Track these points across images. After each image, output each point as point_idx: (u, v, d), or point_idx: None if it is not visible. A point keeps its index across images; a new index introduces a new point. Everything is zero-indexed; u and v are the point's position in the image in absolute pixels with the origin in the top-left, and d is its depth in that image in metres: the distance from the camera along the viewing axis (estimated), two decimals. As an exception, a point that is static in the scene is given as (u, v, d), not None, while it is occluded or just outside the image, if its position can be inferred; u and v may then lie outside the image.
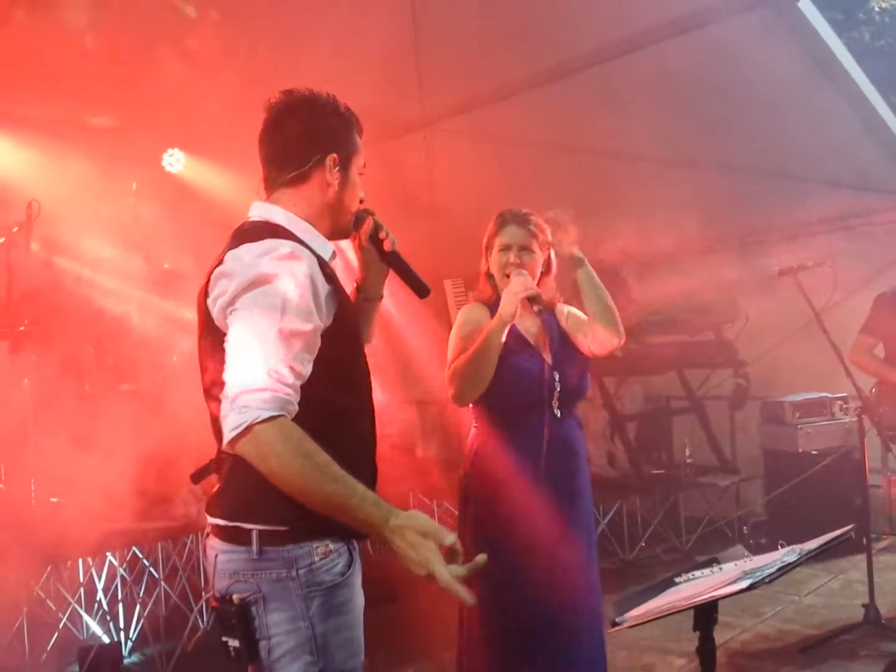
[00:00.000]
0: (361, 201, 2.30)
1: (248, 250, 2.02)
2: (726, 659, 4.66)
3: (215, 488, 2.13)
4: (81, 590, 5.07)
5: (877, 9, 16.63)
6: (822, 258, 5.09)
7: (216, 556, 2.09)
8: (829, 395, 6.80)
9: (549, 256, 3.47)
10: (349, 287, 2.33)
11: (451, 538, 1.86)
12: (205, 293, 2.07)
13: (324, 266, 2.12)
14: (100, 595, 5.15)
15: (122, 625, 5.12)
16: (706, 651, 2.18)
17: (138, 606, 5.15)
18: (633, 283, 7.26)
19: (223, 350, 1.98)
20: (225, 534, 2.07)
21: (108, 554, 5.11)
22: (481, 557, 1.88)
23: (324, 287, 2.06)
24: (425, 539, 1.85)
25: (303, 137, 2.18)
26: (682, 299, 7.17)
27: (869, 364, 5.94)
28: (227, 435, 1.88)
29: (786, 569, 2.09)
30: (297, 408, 1.93)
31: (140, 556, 5.22)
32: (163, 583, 5.25)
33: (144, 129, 6.70)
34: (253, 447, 1.88)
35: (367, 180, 2.30)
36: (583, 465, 3.43)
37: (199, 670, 4.76)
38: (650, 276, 7.35)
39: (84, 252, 5.73)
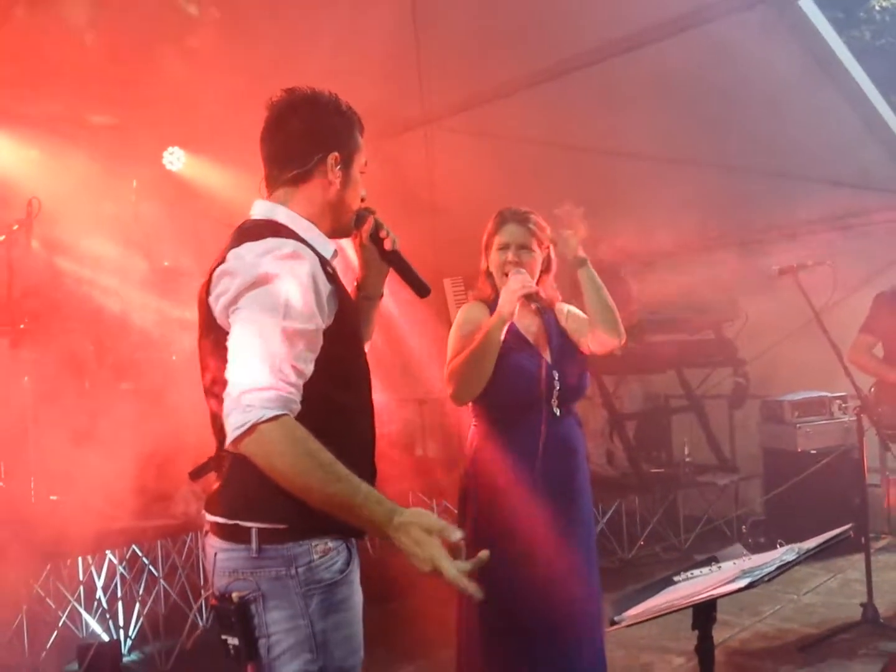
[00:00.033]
0: (363, 200, 2.30)
1: (250, 249, 2.02)
2: (725, 658, 4.67)
3: (214, 486, 2.13)
4: (81, 588, 5.07)
5: (877, 7, 16.62)
6: (822, 257, 5.09)
7: (215, 554, 2.09)
8: (829, 395, 6.80)
9: (548, 255, 3.47)
10: (349, 286, 2.33)
11: (457, 534, 1.88)
12: (206, 291, 2.07)
13: (325, 265, 2.12)
14: (99, 593, 5.16)
15: (121, 623, 5.12)
16: (705, 650, 2.18)
17: (138, 604, 5.16)
18: (633, 281, 7.26)
19: (225, 348, 1.98)
20: (224, 532, 2.07)
21: (108, 552, 5.12)
22: (484, 553, 1.88)
23: (325, 286, 2.06)
24: (430, 536, 1.86)
25: (305, 136, 2.18)
26: (681, 298, 7.18)
27: (868, 363, 5.94)
28: (231, 434, 1.89)
29: (784, 567, 2.09)
30: (300, 407, 1.94)
31: (139, 554, 5.22)
32: (162, 581, 5.25)
33: (145, 127, 6.70)
34: (257, 446, 1.88)
35: (367, 178, 2.30)
36: (582, 464, 3.43)
37: (199, 668, 4.76)
38: (650, 274, 7.35)
39: (84, 250, 5.73)
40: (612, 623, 2.20)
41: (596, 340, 3.37)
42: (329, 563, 2.05)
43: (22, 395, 5.07)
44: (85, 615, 5.04)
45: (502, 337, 3.23)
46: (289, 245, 2.03)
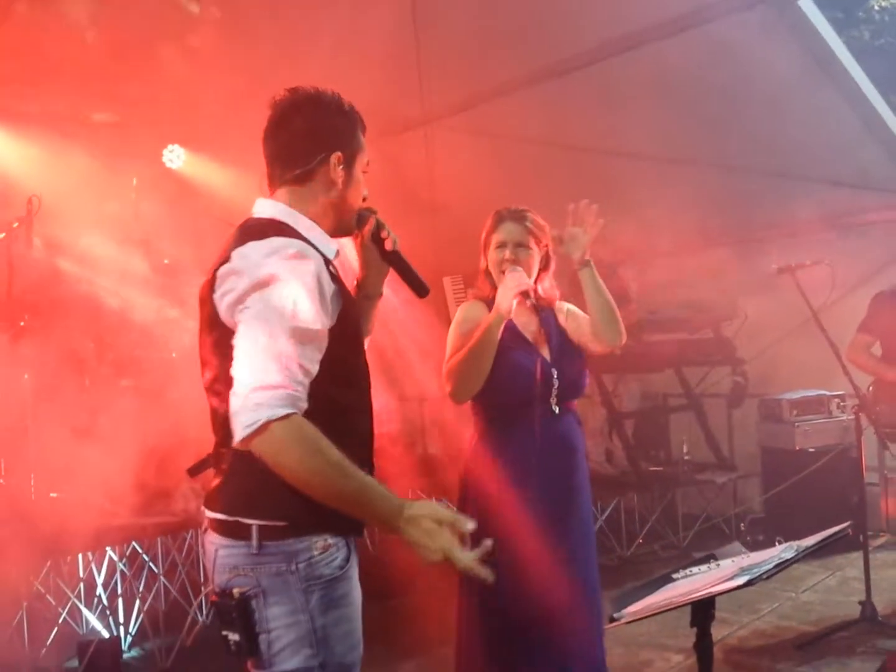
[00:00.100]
0: (364, 199, 2.31)
1: (255, 248, 2.03)
2: (723, 655, 4.68)
3: (214, 483, 2.14)
4: (81, 584, 5.08)
5: (876, 7, 16.63)
6: (821, 256, 5.10)
7: (216, 550, 2.10)
8: (827, 393, 6.81)
9: (546, 252, 3.47)
10: (349, 285, 2.34)
11: (469, 524, 1.94)
12: (210, 289, 2.08)
13: (328, 264, 2.13)
14: (99, 590, 5.16)
15: (121, 619, 5.13)
16: (703, 647, 2.19)
17: (138, 601, 5.16)
18: (632, 280, 7.28)
19: (228, 346, 1.99)
20: (225, 528, 2.08)
21: (108, 549, 5.12)
22: (488, 542, 1.95)
23: (329, 286, 2.07)
24: (441, 526, 1.92)
25: (308, 135, 2.19)
26: (680, 297, 7.19)
27: (866, 362, 5.95)
28: (241, 432, 1.90)
29: (783, 565, 2.10)
30: (306, 405, 1.95)
31: (140, 550, 5.23)
32: (162, 577, 5.26)
33: (145, 125, 6.71)
34: (268, 445, 1.90)
35: (367, 177, 2.31)
36: (581, 462, 3.43)
37: (199, 665, 4.78)
38: (649, 273, 7.37)
39: (84, 248, 5.73)
40: (612, 620, 2.21)
41: (597, 340, 3.37)
42: (329, 559, 2.06)
43: (22, 392, 5.07)
44: (85, 612, 5.06)
45: (500, 335, 3.24)
46: (294, 245, 2.04)
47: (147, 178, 6.84)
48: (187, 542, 5.48)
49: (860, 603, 4.92)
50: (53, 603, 4.86)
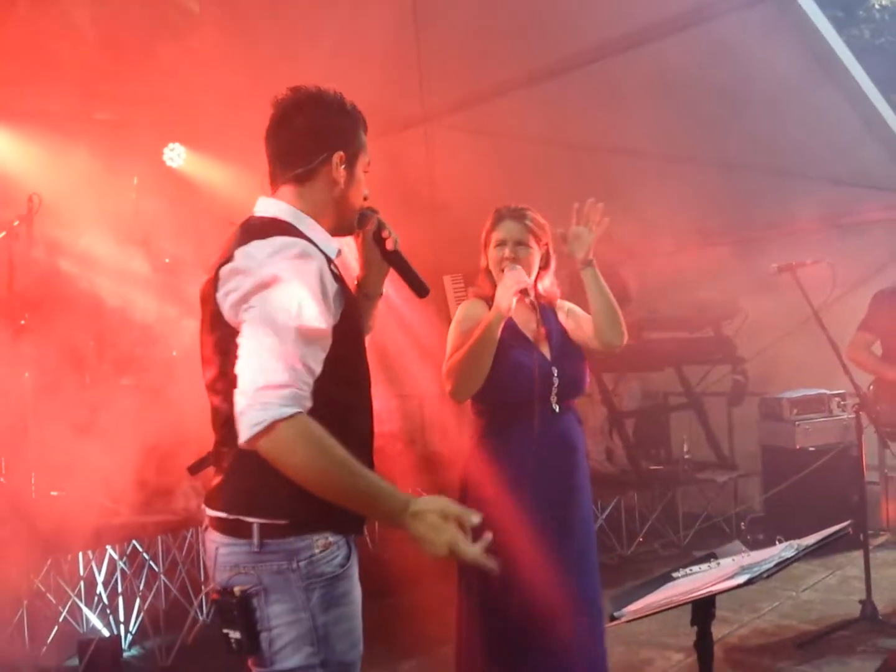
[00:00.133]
0: (365, 199, 2.31)
1: (259, 248, 2.03)
2: (723, 654, 4.68)
3: (215, 481, 2.15)
4: (81, 583, 5.08)
5: (877, 6, 16.62)
6: (821, 255, 5.09)
7: (217, 548, 2.10)
8: (827, 392, 6.81)
9: (547, 251, 3.47)
10: (349, 284, 2.34)
11: (476, 518, 1.98)
12: (213, 287, 2.08)
13: (330, 264, 2.13)
14: (100, 588, 5.16)
15: (121, 618, 5.12)
16: (704, 646, 2.19)
17: (138, 600, 5.16)
18: (632, 279, 7.27)
19: (231, 345, 2.00)
20: (225, 527, 2.08)
21: (108, 547, 5.12)
22: (489, 535, 1.98)
23: (332, 286, 2.08)
24: (446, 521, 1.94)
25: (310, 134, 2.19)
26: (680, 296, 7.19)
27: (867, 361, 5.95)
28: (247, 431, 1.90)
29: (783, 564, 2.10)
30: (311, 404, 1.96)
31: (140, 549, 5.22)
32: (163, 576, 5.26)
33: (145, 124, 6.71)
34: (275, 444, 1.91)
35: (368, 176, 2.31)
36: (582, 461, 3.43)
37: (199, 663, 4.77)
38: (649, 272, 7.36)
39: (85, 246, 5.73)
40: (612, 619, 2.21)
41: (598, 340, 3.36)
42: (330, 557, 2.06)
43: (23, 390, 5.07)
44: (85, 610, 5.05)
45: (499, 333, 3.24)
46: (298, 245, 2.04)
47: (148, 176, 6.84)
48: (188, 541, 5.48)
49: (860, 602, 4.91)
50: (54, 601, 4.85)
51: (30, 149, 6.34)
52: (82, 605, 5.03)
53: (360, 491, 1.97)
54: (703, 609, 2.16)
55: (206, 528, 2.17)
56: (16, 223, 5.48)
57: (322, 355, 2.02)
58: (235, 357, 1.98)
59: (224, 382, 2.02)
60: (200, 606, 5.16)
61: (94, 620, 5.06)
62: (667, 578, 2.33)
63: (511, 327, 3.35)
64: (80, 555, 5.04)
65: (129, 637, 5.11)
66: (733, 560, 2.30)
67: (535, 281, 3.45)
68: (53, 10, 5.02)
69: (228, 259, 2.06)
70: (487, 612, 3.23)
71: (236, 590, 2.03)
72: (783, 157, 6.49)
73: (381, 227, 2.36)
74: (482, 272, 3.51)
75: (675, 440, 7.78)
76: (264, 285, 1.97)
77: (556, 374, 3.33)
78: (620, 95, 6.22)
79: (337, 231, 2.26)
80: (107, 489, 4.81)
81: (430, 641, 4.62)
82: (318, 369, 2.00)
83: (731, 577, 2.12)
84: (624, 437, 7.32)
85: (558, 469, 3.32)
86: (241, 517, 2.05)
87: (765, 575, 2.05)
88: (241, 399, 1.93)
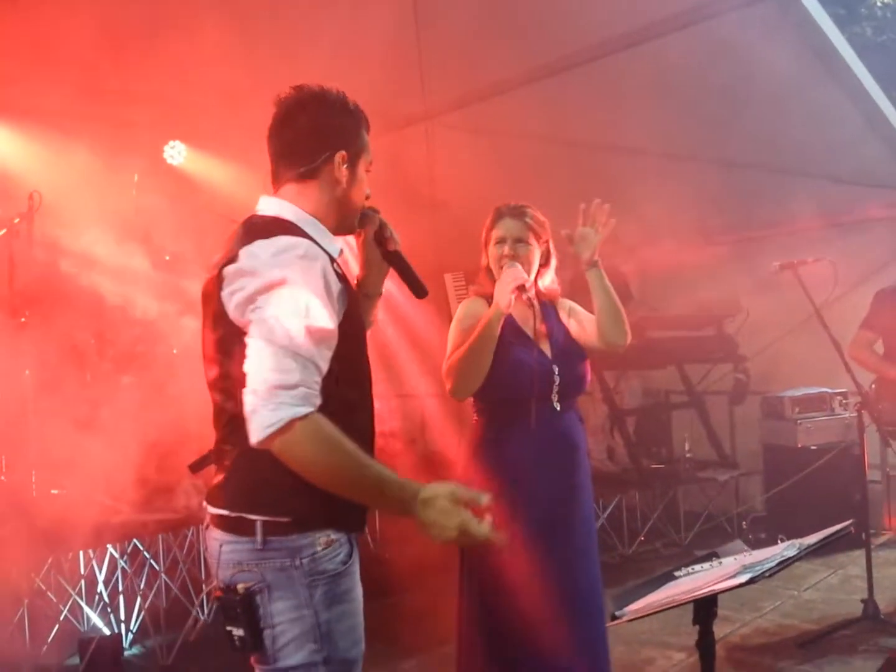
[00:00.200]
0: (367, 198, 2.32)
1: (263, 247, 2.03)
2: (725, 653, 4.67)
3: (217, 479, 2.15)
4: (82, 581, 5.08)
5: (879, 4, 16.62)
6: (823, 253, 5.08)
7: (220, 546, 2.10)
8: (829, 391, 6.80)
9: (547, 248, 3.46)
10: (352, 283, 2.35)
11: (485, 498, 2.01)
12: (216, 286, 2.07)
13: (333, 263, 2.13)
14: (100, 587, 5.15)
15: (122, 617, 5.12)
16: (705, 645, 2.18)
17: (139, 598, 5.16)
18: (633, 278, 7.27)
19: (234, 344, 2.01)
20: (228, 524, 2.08)
21: (109, 546, 5.12)
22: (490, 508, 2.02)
23: (336, 285, 2.08)
24: (456, 505, 1.95)
25: (312, 134, 2.19)
26: (682, 294, 7.18)
27: (868, 359, 5.95)
28: (261, 431, 1.91)
29: (785, 563, 2.09)
30: (321, 402, 1.97)
31: (141, 548, 5.22)
32: (163, 575, 5.25)
33: (146, 122, 6.70)
34: (291, 443, 1.92)
35: (369, 175, 2.31)
36: (583, 460, 3.43)
37: (200, 662, 4.77)
38: (650, 271, 7.36)
39: (85, 244, 5.73)
40: (614, 618, 2.20)
41: (602, 340, 3.35)
42: (332, 554, 2.07)
43: (23, 388, 5.07)
44: (86, 609, 5.05)
45: (499, 330, 3.23)
46: (302, 245, 2.04)
47: (148, 174, 6.84)
48: (188, 539, 5.48)
49: (862, 601, 4.91)
50: (54, 600, 4.85)
51: (30, 146, 6.34)
52: (83, 604, 5.02)
53: (371, 484, 1.98)
54: (704, 608, 2.16)
55: (208, 526, 2.17)
56: (16, 221, 5.47)
57: (329, 354, 2.02)
58: (239, 356, 1.99)
59: (227, 381, 2.03)
60: (201, 605, 5.16)
61: (95, 619, 5.05)
62: (668, 577, 2.33)
63: (511, 324, 3.34)
64: (81, 553, 5.04)
65: (130, 636, 5.11)
66: (735, 559, 2.29)
67: (536, 278, 3.44)
68: (54, 7, 5.01)
69: (232, 259, 2.05)
70: (488, 611, 3.23)
71: (240, 587, 2.03)
72: (784, 156, 6.48)
73: (382, 227, 2.37)
74: (483, 270, 3.50)
75: (676, 439, 7.77)
76: (271, 286, 1.97)
77: (556, 373, 3.32)
78: (621, 94, 6.22)
79: (339, 230, 2.27)
80: (107, 487, 4.80)
81: (430, 641, 4.61)
82: (325, 368, 2.01)
83: (733, 576, 2.12)
84: (625, 436, 7.31)
85: (559, 467, 3.32)
86: (244, 515, 2.05)
87: (767, 574, 2.05)
88: (252, 399, 1.93)
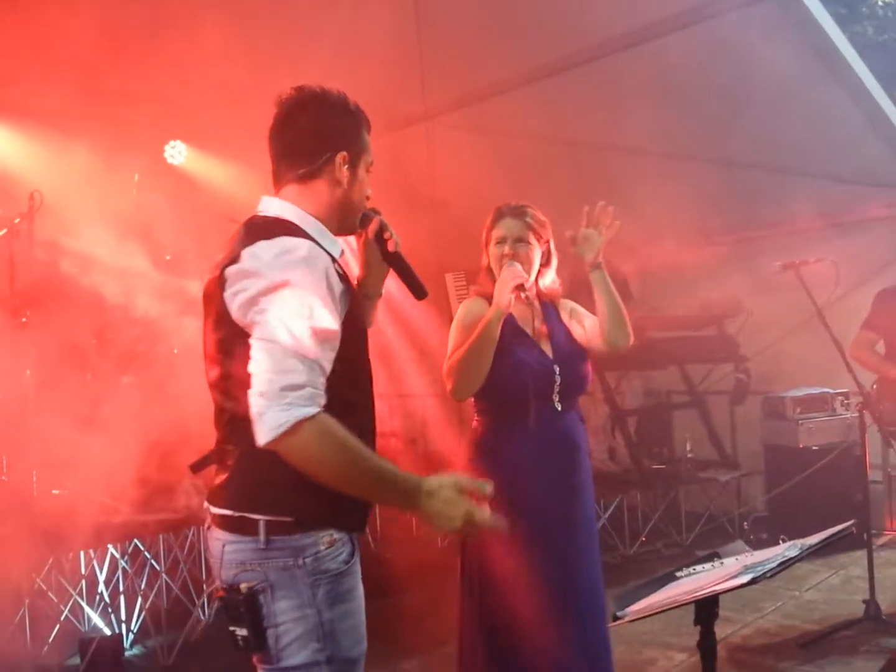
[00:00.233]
0: (368, 199, 2.32)
1: (265, 248, 2.03)
2: (727, 654, 4.67)
3: (219, 479, 2.15)
4: (83, 582, 5.08)
5: (880, 3, 16.62)
6: (824, 253, 5.08)
7: (223, 546, 2.10)
8: (831, 391, 6.80)
9: (547, 248, 3.46)
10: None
11: (489, 487, 2.07)
12: (218, 287, 2.07)
13: (335, 264, 2.13)
14: (101, 587, 5.16)
15: (123, 617, 5.12)
16: (707, 646, 2.18)
17: (140, 598, 5.16)
18: (633, 278, 7.26)
19: (236, 344, 2.01)
20: (231, 524, 2.09)
21: (110, 546, 5.12)
22: (490, 488, 2.09)
23: (338, 286, 2.08)
24: (461, 495, 2.01)
25: (313, 134, 2.19)
26: (683, 294, 7.18)
27: (870, 360, 5.94)
28: (269, 433, 1.91)
29: (787, 564, 2.09)
30: (325, 402, 1.98)
31: (141, 548, 5.22)
32: (164, 575, 5.25)
33: (146, 121, 6.70)
34: (300, 444, 1.93)
35: (370, 174, 2.31)
36: (584, 460, 3.42)
37: (201, 662, 4.77)
38: (651, 271, 7.35)
39: (86, 243, 5.72)
40: (615, 618, 2.20)
41: (605, 341, 3.35)
42: (335, 553, 2.07)
43: (24, 387, 5.06)
44: (87, 609, 5.05)
45: (499, 330, 3.23)
46: (304, 246, 2.04)
47: (148, 173, 6.84)
48: (189, 539, 5.48)
49: (864, 602, 4.91)
50: (55, 600, 4.85)
51: (31, 146, 6.34)
52: (84, 604, 5.02)
53: (376, 479, 2.01)
54: (706, 609, 2.15)
55: (209, 526, 2.17)
56: (17, 220, 5.47)
57: (332, 355, 2.03)
58: (241, 356, 1.99)
59: (229, 381, 2.04)
60: (202, 605, 5.16)
61: (96, 619, 5.06)
62: (670, 578, 2.33)
63: (511, 324, 3.34)
64: (82, 553, 5.04)
65: (131, 636, 5.11)
66: (736, 559, 2.29)
67: (537, 278, 3.44)
68: (54, 7, 5.01)
69: (234, 259, 2.05)
70: (489, 611, 3.23)
71: (243, 587, 2.03)
72: (785, 155, 6.48)
73: (383, 228, 2.36)
74: (483, 270, 3.50)
75: (677, 439, 7.77)
76: (274, 287, 1.97)
77: (557, 373, 3.32)
78: (621, 94, 6.21)
79: (339, 231, 2.27)
80: (108, 487, 4.80)
81: (431, 641, 4.61)
82: (329, 368, 2.01)
83: (735, 576, 2.12)
84: (626, 436, 7.31)
85: (561, 468, 3.31)
86: (247, 514, 2.05)
87: (768, 574, 2.04)
88: (259, 400, 1.93)
